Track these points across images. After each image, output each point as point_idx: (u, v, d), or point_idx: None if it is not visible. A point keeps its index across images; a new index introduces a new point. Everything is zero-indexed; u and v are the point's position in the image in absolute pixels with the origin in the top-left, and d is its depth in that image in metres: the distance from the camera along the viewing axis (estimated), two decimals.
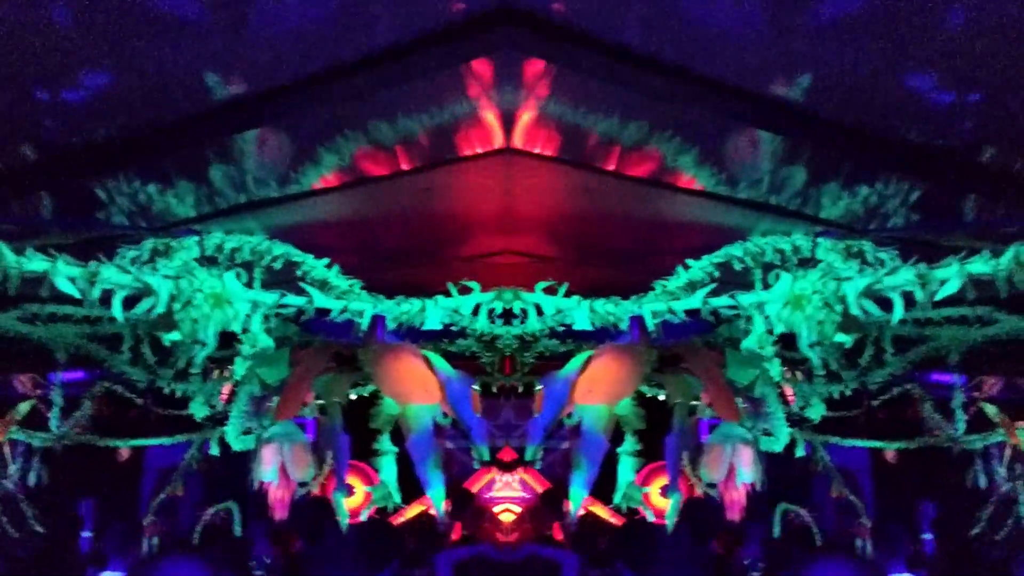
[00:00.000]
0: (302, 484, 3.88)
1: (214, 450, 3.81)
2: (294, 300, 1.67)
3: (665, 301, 2.43)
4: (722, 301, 2.37)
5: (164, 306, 1.47)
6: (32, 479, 4.07)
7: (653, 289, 2.54)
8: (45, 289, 1.40)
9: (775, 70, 2.02)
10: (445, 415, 1.84)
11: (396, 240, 3.12)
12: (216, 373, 3.73)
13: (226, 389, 3.59)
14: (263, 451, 2.64)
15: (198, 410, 3.47)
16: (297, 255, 2.55)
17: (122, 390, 4.26)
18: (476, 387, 1.96)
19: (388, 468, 1.71)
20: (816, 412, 2.81)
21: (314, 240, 2.92)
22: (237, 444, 3.28)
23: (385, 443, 1.69)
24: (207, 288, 1.50)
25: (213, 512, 4.67)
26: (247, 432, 3.32)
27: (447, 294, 1.92)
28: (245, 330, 1.59)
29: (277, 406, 1.63)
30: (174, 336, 1.50)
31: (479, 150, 2.34)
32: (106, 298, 1.48)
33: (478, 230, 2.92)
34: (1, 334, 3.30)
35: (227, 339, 3.61)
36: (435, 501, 1.61)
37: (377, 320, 1.78)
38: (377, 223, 2.94)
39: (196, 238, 2.57)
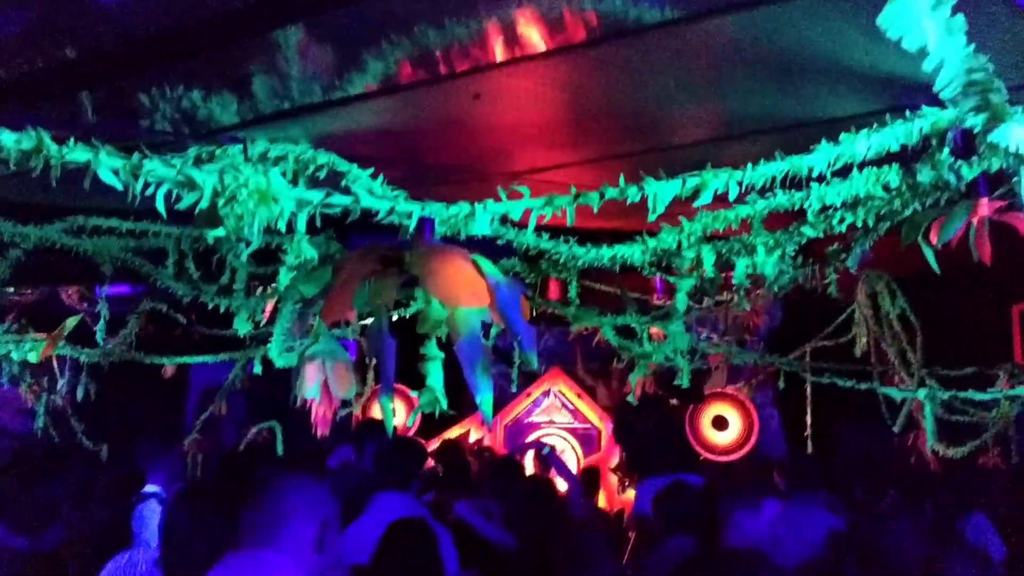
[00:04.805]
0: (345, 403, 3.92)
1: (257, 369, 3.86)
2: (340, 199, 1.60)
3: None
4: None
5: (208, 200, 1.41)
6: (80, 393, 4.19)
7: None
8: (87, 180, 1.34)
9: None
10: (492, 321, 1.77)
11: (442, 153, 3.04)
12: (259, 290, 3.76)
13: (268, 307, 3.62)
14: (306, 368, 2.60)
15: (242, 326, 3.49)
16: (342, 164, 2.48)
17: (166, 308, 4.32)
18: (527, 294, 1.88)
19: (435, 374, 1.65)
20: None
21: (359, 151, 2.85)
22: (280, 361, 3.31)
23: (432, 349, 1.62)
24: (252, 184, 1.43)
25: (256, 431, 4.80)
26: (290, 350, 3.34)
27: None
28: (290, 229, 1.52)
29: (323, 308, 1.57)
30: (218, 233, 1.43)
31: (535, 51, 2.21)
32: (148, 208, 1.43)
33: (528, 142, 2.82)
34: (48, 246, 3.33)
35: (269, 256, 3.61)
36: (483, 407, 1.55)
37: (425, 222, 1.69)
38: (423, 134, 2.86)
39: (240, 146, 2.52)
